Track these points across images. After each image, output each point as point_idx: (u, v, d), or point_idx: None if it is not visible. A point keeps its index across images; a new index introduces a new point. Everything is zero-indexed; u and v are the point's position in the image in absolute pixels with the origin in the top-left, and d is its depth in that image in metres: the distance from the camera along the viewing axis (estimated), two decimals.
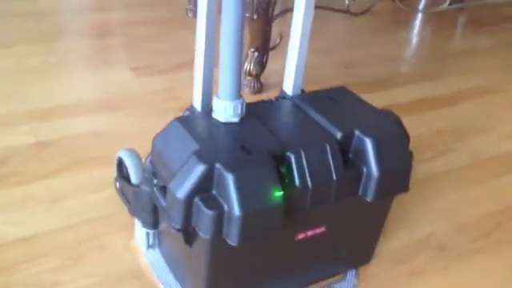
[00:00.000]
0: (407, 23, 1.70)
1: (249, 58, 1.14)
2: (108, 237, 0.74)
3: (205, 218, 0.52)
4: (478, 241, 0.83)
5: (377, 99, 1.20)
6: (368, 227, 0.69)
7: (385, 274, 0.75)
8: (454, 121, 1.16)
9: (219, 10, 0.57)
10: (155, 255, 0.71)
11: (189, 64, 1.22)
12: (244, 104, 0.60)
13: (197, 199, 0.52)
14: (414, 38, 1.64)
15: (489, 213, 0.89)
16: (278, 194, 0.53)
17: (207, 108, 0.63)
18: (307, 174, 0.56)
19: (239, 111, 0.60)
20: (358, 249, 0.71)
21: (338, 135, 0.59)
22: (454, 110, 1.21)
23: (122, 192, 0.72)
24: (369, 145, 0.59)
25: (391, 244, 0.80)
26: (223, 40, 0.57)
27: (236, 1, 0.54)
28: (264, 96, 1.15)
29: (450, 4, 1.43)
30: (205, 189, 0.53)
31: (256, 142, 0.57)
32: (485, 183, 0.97)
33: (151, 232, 0.69)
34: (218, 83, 0.59)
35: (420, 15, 1.74)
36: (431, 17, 1.73)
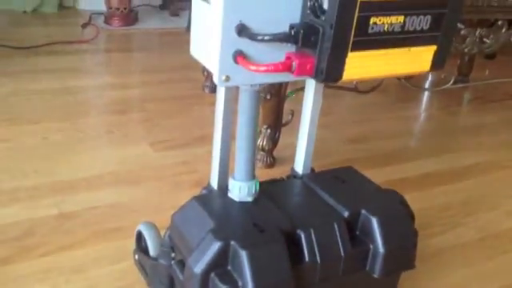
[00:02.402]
0: (414, 101, 1.77)
1: (262, 134, 1.20)
2: None
3: None
4: None
5: (385, 174, 1.25)
6: None
7: None
8: (462, 196, 1.19)
9: (235, 99, 0.63)
10: None
11: (204, 138, 1.29)
12: (257, 184, 0.65)
13: (213, 274, 0.56)
14: (421, 114, 1.70)
15: None
16: (288, 269, 0.56)
17: (223, 187, 0.67)
18: (316, 251, 0.60)
19: (253, 191, 0.64)
20: None
21: (346, 214, 0.64)
22: (461, 185, 1.24)
23: (140, 264, 0.75)
24: (374, 223, 0.63)
25: None
26: (239, 129, 0.62)
27: (251, 101, 0.60)
28: (276, 169, 1.20)
29: (454, 83, 1.50)
30: (220, 264, 0.56)
31: (268, 220, 0.61)
32: (493, 259, 0.98)
33: None
34: (234, 161, 0.64)
35: (426, 93, 1.82)
36: (437, 94, 1.80)
